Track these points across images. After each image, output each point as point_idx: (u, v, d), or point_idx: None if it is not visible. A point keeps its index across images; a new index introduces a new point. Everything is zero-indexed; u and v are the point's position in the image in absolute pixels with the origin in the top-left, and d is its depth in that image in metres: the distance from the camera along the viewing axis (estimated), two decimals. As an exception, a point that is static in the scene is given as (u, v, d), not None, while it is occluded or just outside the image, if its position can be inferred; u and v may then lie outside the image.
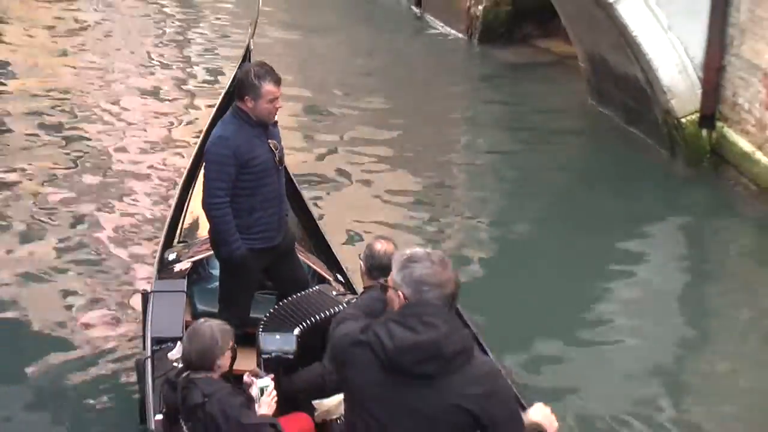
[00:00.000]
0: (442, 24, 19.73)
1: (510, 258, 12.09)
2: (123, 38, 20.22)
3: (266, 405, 7.27)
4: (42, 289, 11.50)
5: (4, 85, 16.60)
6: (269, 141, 8.41)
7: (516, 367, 9.31)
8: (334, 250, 9.75)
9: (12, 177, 13.97)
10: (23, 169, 14.09)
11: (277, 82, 8.31)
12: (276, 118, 8.53)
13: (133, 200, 13.61)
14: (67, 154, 14.39)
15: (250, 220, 8.50)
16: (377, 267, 7.30)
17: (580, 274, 11.91)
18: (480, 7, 18.76)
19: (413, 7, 20.82)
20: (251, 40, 10.44)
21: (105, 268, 11.84)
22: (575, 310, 11.16)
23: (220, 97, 10.59)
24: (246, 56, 10.24)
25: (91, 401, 9.60)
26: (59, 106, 16.16)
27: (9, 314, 10.98)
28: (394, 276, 5.47)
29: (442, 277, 5.39)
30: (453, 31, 19.29)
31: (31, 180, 13.74)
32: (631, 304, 11.56)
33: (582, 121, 16.49)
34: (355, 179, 13.85)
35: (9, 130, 15.27)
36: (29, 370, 10.03)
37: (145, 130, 15.94)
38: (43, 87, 16.68)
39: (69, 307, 11.13)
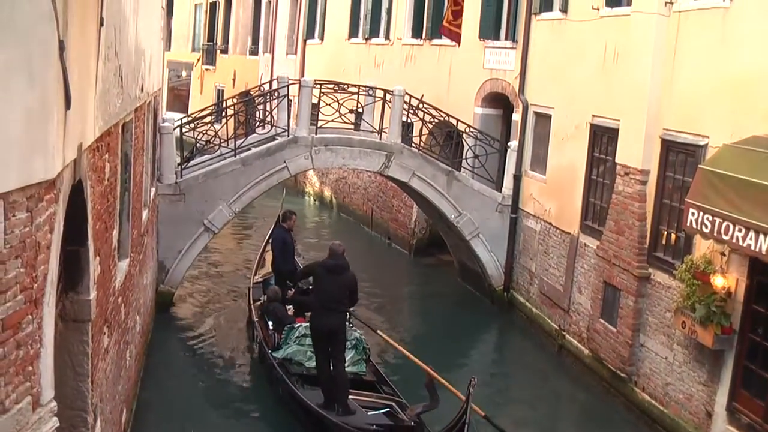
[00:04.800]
0: (399, 248, 20.02)
1: (415, 340, 13.42)
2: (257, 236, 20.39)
3: (291, 311, 12.18)
4: (211, 285, 16.13)
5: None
6: (291, 236, 13.49)
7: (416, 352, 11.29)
8: None
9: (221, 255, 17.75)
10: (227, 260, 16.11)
11: (294, 215, 13.73)
12: (294, 228, 13.78)
13: (249, 259, 17.43)
14: (236, 257, 16.38)
15: (285, 261, 13.29)
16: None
17: (446, 349, 13.51)
18: (414, 240, 19.52)
19: (387, 241, 20.79)
20: (281, 210, 14.51)
21: (239, 277, 16.34)
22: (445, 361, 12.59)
23: (275, 223, 14.72)
24: (280, 215, 14.21)
25: (226, 332, 13.70)
26: (239, 255, 18.82)
27: (191, 289, 15.58)
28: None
29: (339, 248, 10.08)
30: (404, 251, 19.78)
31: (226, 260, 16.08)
32: (465, 358, 13.71)
33: (454, 289, 17.34)
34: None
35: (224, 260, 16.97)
36: (199, 312, 14.61)
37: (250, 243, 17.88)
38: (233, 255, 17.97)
39: (219, 293, 15.68)
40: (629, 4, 12.08)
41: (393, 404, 10.23)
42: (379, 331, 11.39)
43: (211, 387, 11.85)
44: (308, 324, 10.97)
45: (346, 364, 10.31)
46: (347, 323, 10.68)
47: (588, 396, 12.29)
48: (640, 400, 11.34)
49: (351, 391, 10.11)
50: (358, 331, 11.48)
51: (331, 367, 10.04)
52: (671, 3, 11.02)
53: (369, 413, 9.90)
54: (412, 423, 9.70)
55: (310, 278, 11.68)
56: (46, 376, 4.48)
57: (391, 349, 11.78)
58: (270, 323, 12.07)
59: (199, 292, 16.14)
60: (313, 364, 10.71)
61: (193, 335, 13.89)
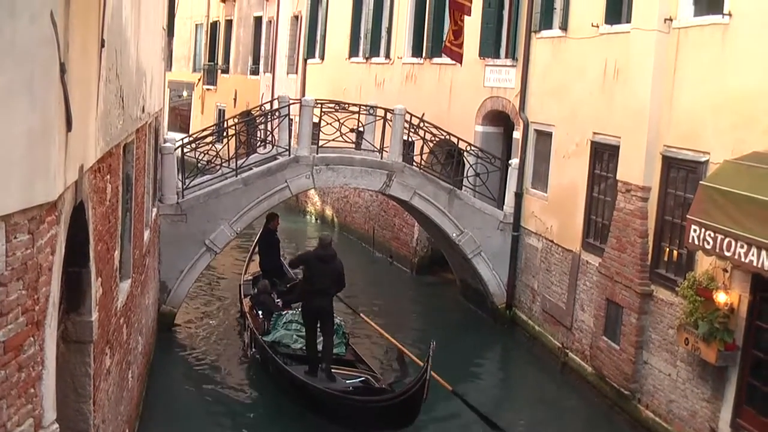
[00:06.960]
0: (400, 266, 20.03)
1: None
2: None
3: (279, 304, 13.58)
4: (211, 303, 16.60)
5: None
6: (276, 236, 15.00)
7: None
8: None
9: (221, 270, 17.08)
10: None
11: (277, 216, 15.35)
12: (277, 229, 15.45)
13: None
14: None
15: (270, 259, 15.01)
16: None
17: (449, 367, 12.43)
18: (416, 259, 19.55)
19: (389, 259, 20.67)
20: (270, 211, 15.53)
21: (233, 279, 17.17)
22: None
23: (263, 226, 15.72)
24: (268, 216, 15.49)
25: (228, 349, 13.97)
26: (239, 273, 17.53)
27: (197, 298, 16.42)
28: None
29: (327, 238, 12.02)
30: (406, 269, 19.79)
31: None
32: (467, 376, 13.36)
33: (456, 307, 17.35)
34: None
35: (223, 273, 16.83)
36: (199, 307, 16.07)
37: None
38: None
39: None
40: (629, 21, 12.16)
41: (368, 376, 11.96)
42: (361, 314, 13.38)
43: (213, 406, 11.81)
44: (293, 312, 12.81)
45: None
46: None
47: (592, 413, 12.25)
48: (644, 417, 11.30)
49: (332, 366, 11.67)
50: (338, 318, 12.68)
51: (321, 342, 11.64)
52: (671, 20, 11.09)
53: (347, 381, 11.66)
54: (384, 386, 11.41)
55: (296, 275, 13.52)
56: (48, 398, 4.47)
57: (369, 336, 13.93)
58: (260, 312, 13.55)
59: (199, 310, 16.10)
60: (298, 345, 12.43)
61: (195, 354, 13.87)
